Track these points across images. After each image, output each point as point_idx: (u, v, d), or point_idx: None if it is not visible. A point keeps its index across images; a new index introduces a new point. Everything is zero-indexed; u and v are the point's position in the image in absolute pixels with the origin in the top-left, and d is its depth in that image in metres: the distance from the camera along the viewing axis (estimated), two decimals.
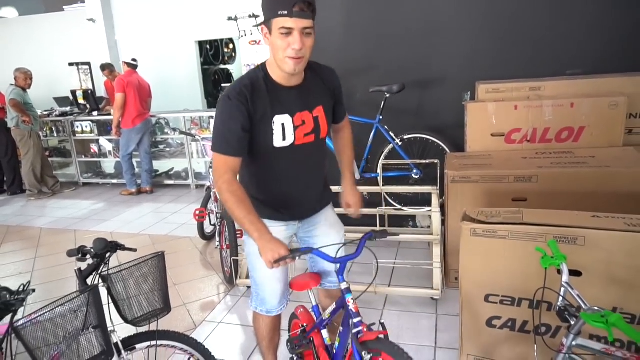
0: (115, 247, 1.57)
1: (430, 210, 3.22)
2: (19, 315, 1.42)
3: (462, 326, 2.11)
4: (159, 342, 1.69)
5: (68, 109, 6.92)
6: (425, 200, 3.53)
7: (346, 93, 1.96)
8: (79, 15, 9.01)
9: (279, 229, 1.74)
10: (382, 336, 1.47)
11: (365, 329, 1.50)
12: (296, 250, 1.48)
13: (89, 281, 1.57)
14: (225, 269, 3.31)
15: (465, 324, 2.10)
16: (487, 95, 3.15)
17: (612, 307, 1.74)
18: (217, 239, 3.34)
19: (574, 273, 1.78)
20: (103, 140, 6.28)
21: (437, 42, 3.48)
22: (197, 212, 3.66)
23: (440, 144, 3.46)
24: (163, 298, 1.70)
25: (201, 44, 8.88)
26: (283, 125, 1.59)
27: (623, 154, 2.78)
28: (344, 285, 1.57)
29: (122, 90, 5.39)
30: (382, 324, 1.54)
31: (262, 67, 1.61)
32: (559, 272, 1.50)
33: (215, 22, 8.12)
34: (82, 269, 1.59)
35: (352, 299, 1.55)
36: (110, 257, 1.58)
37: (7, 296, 1.38)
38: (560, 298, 1.47)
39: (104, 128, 6.38)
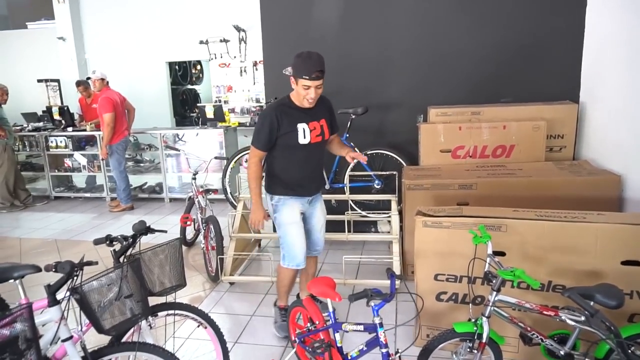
0: (146, 230, 1.96)
1: (390, 215, 3.74)
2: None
3: (418, 302, 2.60)
4: (176, 312, 2.08)
5: (41, 124, 7.05)
6: (385, 208, 4.05)
7: None
8: (48, 33, 9.16)
9: (296, 202, 2.63)
10: None
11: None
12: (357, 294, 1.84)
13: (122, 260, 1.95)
14: (209, 268, 3.67)
15: (420, 301, 2.59)
16: (436, 117, 3.73)
17: None
18: (203, 241, 3.70)
19: (499, 254, 2.32)
20: (77, 155, 6.45)
21: (396, 73, 4.08)
22: (184, 218, 4.00)
23: (398, 158, 4.01)
24: (180, 275, 2.09)
25: (170, 64, 9.22)
26: (303, 129, 2.49)
27: (544, 167, 3.42)
28: (377, 320, 1.86)
29: (112, 109, 5.40)
30: (399, 355, 1.84)
31: (288, 97, 2.53)
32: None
33: (186, 44, 8.52)
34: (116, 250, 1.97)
35: (383, 332, 1.85)
36: (140, 238, 1.97)
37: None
38: (487, 265, 2.00)
39: (78, 143, 6.57)
